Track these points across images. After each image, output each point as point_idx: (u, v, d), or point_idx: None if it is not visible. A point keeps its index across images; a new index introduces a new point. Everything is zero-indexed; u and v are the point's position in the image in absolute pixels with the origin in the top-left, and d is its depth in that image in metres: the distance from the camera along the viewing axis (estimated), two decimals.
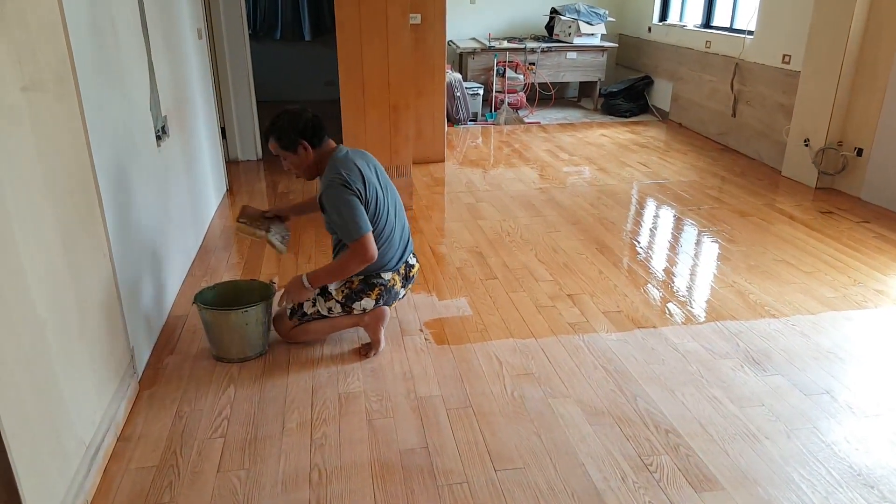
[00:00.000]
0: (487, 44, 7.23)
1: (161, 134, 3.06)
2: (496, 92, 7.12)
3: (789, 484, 2.00)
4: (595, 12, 7.41)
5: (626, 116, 7.31)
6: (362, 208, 2.50)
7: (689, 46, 6.65)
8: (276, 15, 7.71)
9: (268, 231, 2.78)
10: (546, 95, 7.62)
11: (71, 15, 2.06)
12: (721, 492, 1.97)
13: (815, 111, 4.80)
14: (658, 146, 6.17)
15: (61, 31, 2.00)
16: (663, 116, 7.26)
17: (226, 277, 3.34)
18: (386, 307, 2.74)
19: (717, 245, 3.86)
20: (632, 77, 7.67)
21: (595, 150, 6.02)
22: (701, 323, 2.97)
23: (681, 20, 7.21)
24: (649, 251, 3.81)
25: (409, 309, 3.08)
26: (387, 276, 2.68)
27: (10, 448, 1.52)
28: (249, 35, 5.39)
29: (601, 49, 7.44)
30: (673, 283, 3.39)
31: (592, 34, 7.32)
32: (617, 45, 7.77)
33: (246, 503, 1.94)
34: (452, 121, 6.88)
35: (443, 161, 5.62)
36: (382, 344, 2.73)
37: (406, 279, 2.78)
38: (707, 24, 6.63)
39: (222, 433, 2.23)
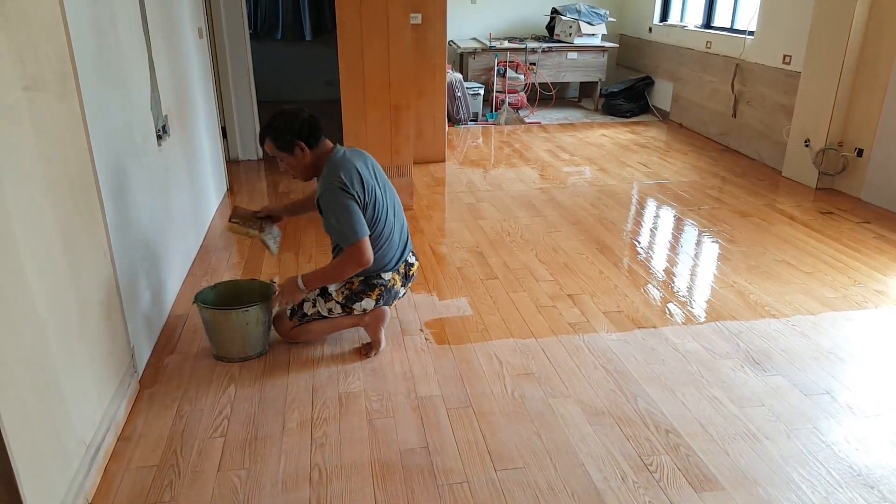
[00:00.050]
0: (488, 44, 7.23)
1: (162, 133, 3.06)
2: (497, 92, 7.12)
3: (789, 484, 2.00)
4: (596, 12, 7.41)
5: (626, 117, 7.31)
6: (360, 213, 2.49)
7: (689, 47, 6.65)
8: (276, 14, 7.71)
9: (261, 231, 2.77)
10: (547, 95, 7.62)
11: (72, 14, 2.06)
12: (721, 492, 1.97)
13: (815, 111, 4.80)
14: (658, 146, 6.17)
15: (62, 31, 2.00)
16: (664, 117, 7.26)
17: (226, 277, 3.34)
18: (386, 307, 2.74)
19: (717, 245, 3.86)
20: (632, 77, 7.67)
21: (595, 150, 6.02)
22: (701, 323, 2.97)
23: (681, 20, 7.21)
24: (650, 251, 3.81)
25: (410, 309, 3.08)
26: (387, 276, 2.68)
27: (11, 447, 1.52)
28: (250, 34, 5.39)
29: (602, 49, 7.44)
30: (673, 283, 3.39)
31: (593, 34, 7.32)
32: (617, 45, 7.77)
33: (246, 502, 1.94)
34: (453, 121, 6.89)
35: (443, 161, 5.62)
36: (383, 344, 2.73)
37: (406, 278, 2.78)
38: (707, 24, 6.63)
39: (223, 432, 2.23)
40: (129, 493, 1.97)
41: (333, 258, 2.70)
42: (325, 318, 2.68)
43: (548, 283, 3.35)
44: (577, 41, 7.27)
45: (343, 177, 2.49)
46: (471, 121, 6.99)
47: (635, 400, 2.41)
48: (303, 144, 2.51)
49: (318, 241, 3.84)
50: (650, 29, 7.49)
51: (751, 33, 5.69)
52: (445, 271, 3.49)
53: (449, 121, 6.62)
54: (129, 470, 2.06)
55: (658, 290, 3.30)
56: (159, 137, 3.03)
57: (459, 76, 6.88)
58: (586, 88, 8.01)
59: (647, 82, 7.53)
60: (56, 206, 1.87)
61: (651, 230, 4.18)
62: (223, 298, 2.69)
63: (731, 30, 6.17)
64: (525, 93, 7.37)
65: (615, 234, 4.00)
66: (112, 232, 2.30)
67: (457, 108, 6.83)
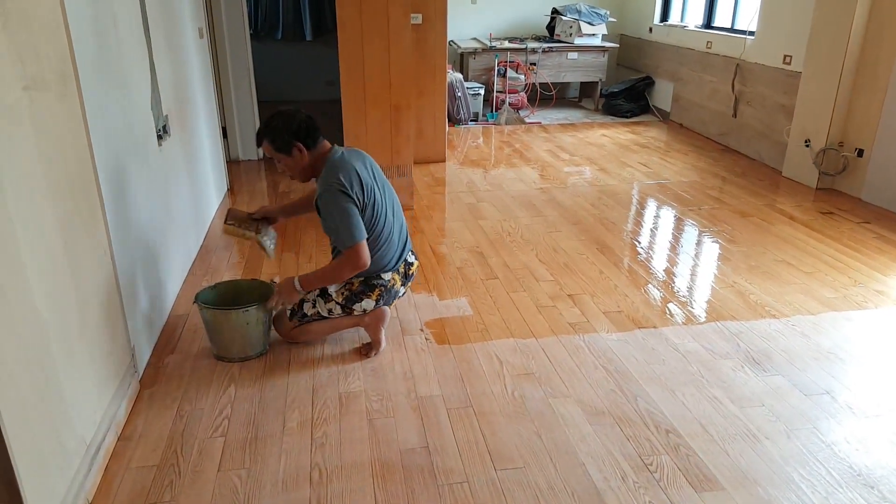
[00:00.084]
0: (488, 44, 7.23)
1: (162, 133, 3.06)
2: (497, 92, 7.12)
3: (789, 484, 2.00)
4: (596, 12, 7.41)
5: (626, 117, 7.31)
6: (358, 215, 2.49)
7: (690, 47, 6.65)
8: (277, 14, 7.71)
9: (257, 232, 2.76)
10: (547, 96, 7.62)
11: (72, 14, 2.07)
12: (721, 492, 1.97)
13: (815, 112, 4.80)
14: (659, 146, 6.16)
15: (63, 31, 2.00)
16: (664, 117, 7.26)
17: (227, 277, 3.34)
18: (386, 307, 2.74)
19: (717, 245, 3.86)
20: (633, 77, 7.67)
21: (596, 150, 6.02)
22: (701, 323, 2.97)
23: (682, 21, 7.21)
24: (650, 251, 3.81)
25: (410, 309, 3.08)
26: (387, 276, 2.68)
27: (11, 447, 1.52)
28: (251, 34, 5.39)
29: (602, 49, 7.43)
30: (673, 283, 3.39)
31: (593, 34, 7.32)
32: (618, 45, 7.77)
33: (246, 502, 1.94)
34: (453, 121, 6.89)
35: (444, 161, 5.62)
36: (383, 344, 2.73)
37: (406, 277, 2.78)
38: (708, 24, 6.63)
39: (223, 432, 2.24)
40: (130, 492, 1.97)
41: (333, 259, 2.71)
42: (325, 318, 2.68)
43: (548, 283, 3.35)
44: (578, 41, 7.27)
45: (342, 178, 2.48)
46: (471, 121, 6.99)
47: (635, 400, 2.41)
48: (301, 145, 2.50)
49: (318, 241, 3.85)
50: (650, 29, 7.49)
51: (751, 33, 5.69)
52: (445, 271, 3.49)
53: (449, 121, 6.63)
54: (130, 469, 2.06)
55: (658, 290, 3.30)
56: (160, 137, 3.03)
57: (460, 76, 6.88)
58: (587, 88, 8.01)
59: (648, 82, 7.53)
60: (56, 205, 1.87)
61: (651, 230, 4.18)
62: (223, 298, 2.69)
63: (732, 30, 6.17)
64: (525, 93, 7.38)
65: (615, 234, 4.00)
66: (112, 232, 2.30)
67: (457, 108, 6.83)
